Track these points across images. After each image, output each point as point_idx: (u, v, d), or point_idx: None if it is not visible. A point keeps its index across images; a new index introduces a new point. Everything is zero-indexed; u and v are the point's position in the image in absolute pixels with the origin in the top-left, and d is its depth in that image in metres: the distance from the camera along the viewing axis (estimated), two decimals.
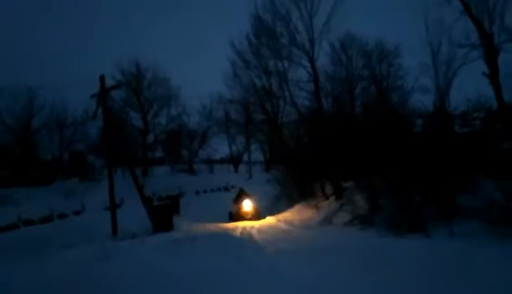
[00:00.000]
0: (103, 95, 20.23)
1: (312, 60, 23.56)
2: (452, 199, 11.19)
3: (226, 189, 38.33)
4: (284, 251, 11.20)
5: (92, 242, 14.84)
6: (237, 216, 21.77)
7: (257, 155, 49.43)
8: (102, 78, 20.22)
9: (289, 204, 22.42)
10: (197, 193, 37.22)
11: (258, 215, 21.63)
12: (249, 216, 21.36)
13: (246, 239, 13.45)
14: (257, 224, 18.41)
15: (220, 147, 51.82)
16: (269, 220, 19.73)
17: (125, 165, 27.85)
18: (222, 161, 54.34)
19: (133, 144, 43.49)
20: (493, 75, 14.21)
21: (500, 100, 13.87)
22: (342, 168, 18.56)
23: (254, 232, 15.11)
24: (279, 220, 19.02)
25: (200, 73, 75.39)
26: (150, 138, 47.48)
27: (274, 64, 26.80)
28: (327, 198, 19.71)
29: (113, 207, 19.89)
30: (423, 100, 16.77)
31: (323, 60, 31.53)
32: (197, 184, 38.66)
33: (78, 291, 8.43)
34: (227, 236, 14.12)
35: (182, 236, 14.62)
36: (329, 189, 20.19)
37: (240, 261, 10.12)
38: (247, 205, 22.13)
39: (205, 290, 7.63)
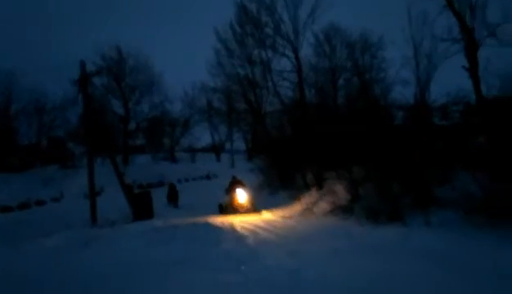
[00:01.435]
0: (83, 81, 19.86)
1: (295, 51, 23.61)
2: (429, 189, 11.45)
3: (207, 177, 38.57)
4: (265, 240, 11.28)
5: (70, 230, 14.71)
6: (230, 208, 18.60)
7: (239, 144, 49.40)
8: (83, 64, 19.82)
9: (271, 193, 22.38)
10: (179, 181, 37.13)
11: (253, 207, 18.59)
12: (244, 209, 18.33)
13: (227, 229, 13.48)
14: (253, 219, 16.13)
15: (202, 136, 51.56)
16: (267, 216, 17.22)
17: (105, 152, 27.45)
18: (204, 150, 54.21)
19: (114, 132, 42.91)
20: (473, 69, 14.40)
21: (478, 93, 14.09)
22: (323, 158, 18.67)
23: (236, 222, 15.14)
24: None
25: (183, 60, 74.32)
26: (132, 125, 46.66)
27: (258, 54, 26.67)
28: (308, 187, 19.85)
29: (92, 194, 19.65)
30: (404, 93, 16.89)
31: (307, 51, 31.53)
32: (179, 173, 38.46)
33: (56, 278, 8.35)
34: (208, 225, 14.13)
35: (162, 224, 14.59)
36: (310, 179, 20.31)
37: (220, 249, 10.19)
38: (241, 196, 18.87)
39: (184, 276, 7.63)
